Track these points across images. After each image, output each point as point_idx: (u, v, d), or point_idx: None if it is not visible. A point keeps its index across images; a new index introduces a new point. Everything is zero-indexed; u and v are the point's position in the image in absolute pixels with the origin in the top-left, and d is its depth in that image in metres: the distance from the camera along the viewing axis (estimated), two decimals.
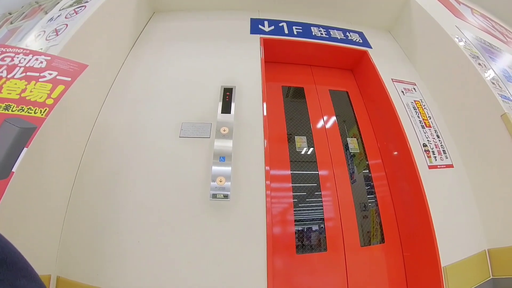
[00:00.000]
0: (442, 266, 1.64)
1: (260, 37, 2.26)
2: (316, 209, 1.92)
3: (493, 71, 2.24)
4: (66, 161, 1.50)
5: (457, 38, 2.33)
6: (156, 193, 1.49)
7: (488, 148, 1.99)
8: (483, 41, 2.74)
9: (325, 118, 2.32)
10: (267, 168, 1.57)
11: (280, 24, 2.43)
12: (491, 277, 1.83)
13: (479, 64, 2.17)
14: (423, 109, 2.25)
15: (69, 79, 1.20)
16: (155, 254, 1.35)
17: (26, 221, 1.23)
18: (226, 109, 1.70)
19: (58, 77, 1.19)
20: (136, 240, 1.37)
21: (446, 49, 2.32)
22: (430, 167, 1.97)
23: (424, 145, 2.04)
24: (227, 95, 1.76)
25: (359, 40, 2.56)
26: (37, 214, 1.29)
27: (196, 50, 2.13)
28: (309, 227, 1.89)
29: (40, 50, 1.46)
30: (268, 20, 2.44)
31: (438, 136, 2.16)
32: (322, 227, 1.86)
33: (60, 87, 1.16)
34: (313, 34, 2.42)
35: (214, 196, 1.41)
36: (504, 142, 1.85)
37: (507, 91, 2.13)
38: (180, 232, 1.40)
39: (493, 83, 2.07)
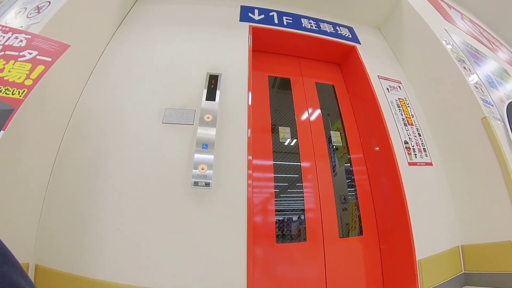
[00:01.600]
0: (417, 259, 1.73)
1: (250, 25, 2.25)
2: (297, 200, 1.97)
3: (477, 75, 2.34)
4: (45, 145, 1.46)
5: (445, 41, 2.41)
6: (137, 179, 1.48)
7: (467, 149, 2.09)
8: (470, 46, 2.83)
9: (310, 110, 2.35)
10: (250, 157, 1.59)
11: (271, 14, 2.43)
12: (463, 271, 1.95)
13: (464, 68, 2.26)
14: (406, 107, 2.33)
15: (50, 59, 1.17)
16: (135, 241, 1.35)
17: (2, 208, 1.20)
18: (210, 96, 1.69)
19: (38, 57, 1.16)
20: (116, 227, 1.36)
21: (433, 51, 2.39)
22: (410, 164, 2.06)
23: (406, 142, 2.11)
24: (213, 82, 1.75)
25: (349, 35, 2.61)
26: (14, 200, 1.26)
27: (183, 34, 2.09)
28: (290, 217, 1.94)
29: (20, 28, 1.40)
30: (259, 9, 2.44)
31: (419, 134, 2.25)
32: (302, 217, 1.92)
33: (40, 68, 1.13)
34: (303, 25, 2.43)
35: (196, 183, 1.42)
36: (483, 145, 1.95)
37: (489, 96, 2.22)
38: (160, 220, 1.40)
39: (476, 87, 2.15)
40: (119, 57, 1.90)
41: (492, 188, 1.89)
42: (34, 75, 1.10)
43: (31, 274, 1.28)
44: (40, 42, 1.22)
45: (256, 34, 2.23)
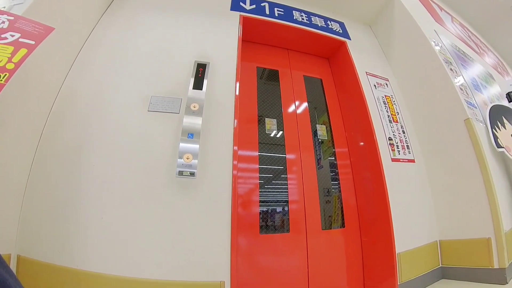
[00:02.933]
0: (396, 252, 1.81)
1: (240, 15, 2.24)
2: (281, 192, 2.01)
3: (463, 78, 2.43)
4: (27, 132, 1.43)
5: (434, 42, 2.48)
6: (121, 168, 1.47)
7: (449, 149, 2.18)
8: (457, 49, 2.92)
9: (297, 103, 2.38)
10: (235, 148, 1.61)
11: (262, 4, 2.42)
12: (440, 265, 2.06)
13: (451, 69, 2.33)
14: (392, 105, 2.39)
15: (33, 42, 1.14)
16: (118, 231, 1.34)
17: None
18: (198, 85, 1.68)
19: (20, 40, 1.13)
20: (99, 216, 1.35)
21: (422, 51, 2.46)
22: (393, 160, 2.13)
23: (390, 139, 2.18)
24: (200, 70, 1.74)
25: (339, 30, 2.64)
26: None
27: (171, 21, 2.06)
28: (274, 209, 1.99)
29: (2, 9, 1.35)
30: None
31: (403, 132, 2.32)
32: (286, 209, 1.96)
33: (23, 51, 1.10)
34: (294, 18, 2.44)
35: (181, 173, 1.42)
36: (464, 145, 2.04)
37: (473, 98, 2.32)
38: (144, 209, 1.39)
39: (461, 89, 2.24)
40: (105, 43, 1.86)
41: (471, 187, 1.98)
42: (16, 59, 1.07)
43: (13, 265, 1.27)
44: (23, 24, 1.19)
45: (246, 24, 2.23)
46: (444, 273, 2.04)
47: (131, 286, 1.26)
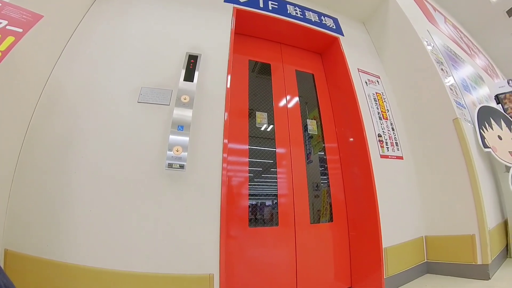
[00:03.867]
0: (383, 247, 1.86)
1: (234, 7, 2.22)
2: (271, 185, 2.03)
3: (453, 78, 2.48)
4: (14, 122, 1.38)
5: (426, 41, 2.51)
6: (110, 159, 1.45)
7: (437, 147, 2.23)
8: (449, 49, 2.97)
9: (288, 97, 2.39)
10: (226, 141, 1.61)
11: None
12: (426, 260, 2.13)
13: (442, 69, 2.38)
14: (383, 102, 2.43)
15: (21, 30, 1.11)
16: (108, 223, 1.33)
17: None
18: (189, 77, 1.67)
19: (8, 27, 1.09)
20: (88, 209, 1.33)
21: (414, 50, 2.49)
22: (382, 156, 2.17)
23: (379, 136, 2.22)
24: (192, 62, 1.73)
25: (333, 26, 2.65)
26: None
27: (164, 12, 2.02)
28: (263, 202, 2.00)
29: None
30: None
31: (393, 129, 2.36)
32: (275, 202, 1.98)
33: (10, 39, 1.07)
34: (288, 12, 2.43)
35: (170, 165, 1.41)
36: (452, 144, 2.10)
37: (462, 99, 2.37)
38: (133, 202, 1.38)
39: (451, 89, 2.28)
40: (95, 32, 1.82)
41: (458, 185, 2.04)
42: (3, 47, 1.05)
43: (0, 260, 1.24)
44: (11, 11, 1.16)
45: (239, 17, 2.21)
46: (429, 268, 2.10)
47: (120, 279, 1.25)
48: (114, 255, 1.29)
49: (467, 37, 4.65)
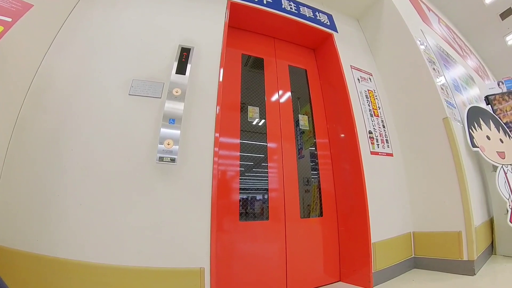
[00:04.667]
0: (371, 242, 1.90)
1: (228, 0, 2.19)
2: (262, 180, 2.04)
3: (445, 78, 2.52)
4: (2, 114, 1.35)
5: (420, 41, 2.54)
6: (101, 152, 1.42)
7: (426, 145, 2.27)
8: (442, 50, 3.01)
9: (280, 92, 2.39)
10: (217, 134, 1.61)
11: None
12: (413, 255, 2.18)
13: (434, 69, 2.42)
14: (374, 99, 2.45)
15: (10, 19, 1.10)
16: (98, 217, 1.31)
17: None
18: (181, 70, 1.65)
19: None
20: (78, 203, 1.31)
21: (407, 49, 2.52)
22: (372, 153, 2.20)
23: (370, 132, 2.25)
24: (184, 55, 1.71)
25: (327, 22, 2.66)
26: None
27: (156, 3, 1.97)
28: (253, 196, 2.02)
29: None
30: None
31: (383, 126, 2.39)
32: (266, 197, 2.00)
33: None
34: (283, 6, 2.42)
35: (161, 159, 1.40)
36: (441, 143, 2.14)
37: (453, 99, 2.42)
38: (124, 195, 1.37)
39: (442, 89, 2.33)
40: (87, 23, 1.77)
41: (446, 183, 2.08)
42: None
43: None
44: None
45: (234, 10, 2.19)
46: (417, 263, 2.16)
47: (111, 273, 1.25)
48: (105, 249, 1.28)
49: (460, 38, 4.71)
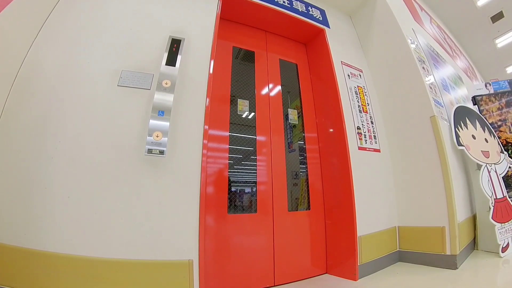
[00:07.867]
0: (358, 235, 1.95)
1: None
2: (250, 173, 2.06)
3: (434, 77, 2.59)
4: None
5: (410, 39, 2.59)
6: (89, 144, 1.40)
7: (413, 142, 2.33)
8: (432, 49, 3.07)
9: (270, 86, 2.41)
10: (206, 127, 1.61)
11: None
12: (398, 249, 2.25)
13: (423, 68, 2.47)
14: (364, 95, 2.49)
15: None
16: (86, 210, 1.30)
17: None
18: (171, 61, 1.64)
19: None
20: (66, 195, 1.30)
21: (398, 47, 2.56)
22: (360, 148, 2.25)
23: (358, 128, 2.29)
24: (175, 46, 1.70)
25: (319, 17, 2.67)
26: None
27: None
28: (242, 189, 2.05)
29: None
30: None
31: (372, 122, 2.44)
32: (254, 190, 2.02)
33: None
34: (276, 0, 2.41)
35: (150, 151, 1.39)
36: (428, 140, 2.20)
37: (441, 98, 2.49)
38: (112, 187, 1.36)
39: (431, 88, 2.38)
40: (75, 9, 1.72)
41: (431, 179, 2.15)
42: None
43: None
44: None
45: (226, 2, 2.17)
46: (401, 256, 2.23)
47: (100, 266, 1.24)
48: (93, 242, 1.27)
49: (450, 38, 4.79)
